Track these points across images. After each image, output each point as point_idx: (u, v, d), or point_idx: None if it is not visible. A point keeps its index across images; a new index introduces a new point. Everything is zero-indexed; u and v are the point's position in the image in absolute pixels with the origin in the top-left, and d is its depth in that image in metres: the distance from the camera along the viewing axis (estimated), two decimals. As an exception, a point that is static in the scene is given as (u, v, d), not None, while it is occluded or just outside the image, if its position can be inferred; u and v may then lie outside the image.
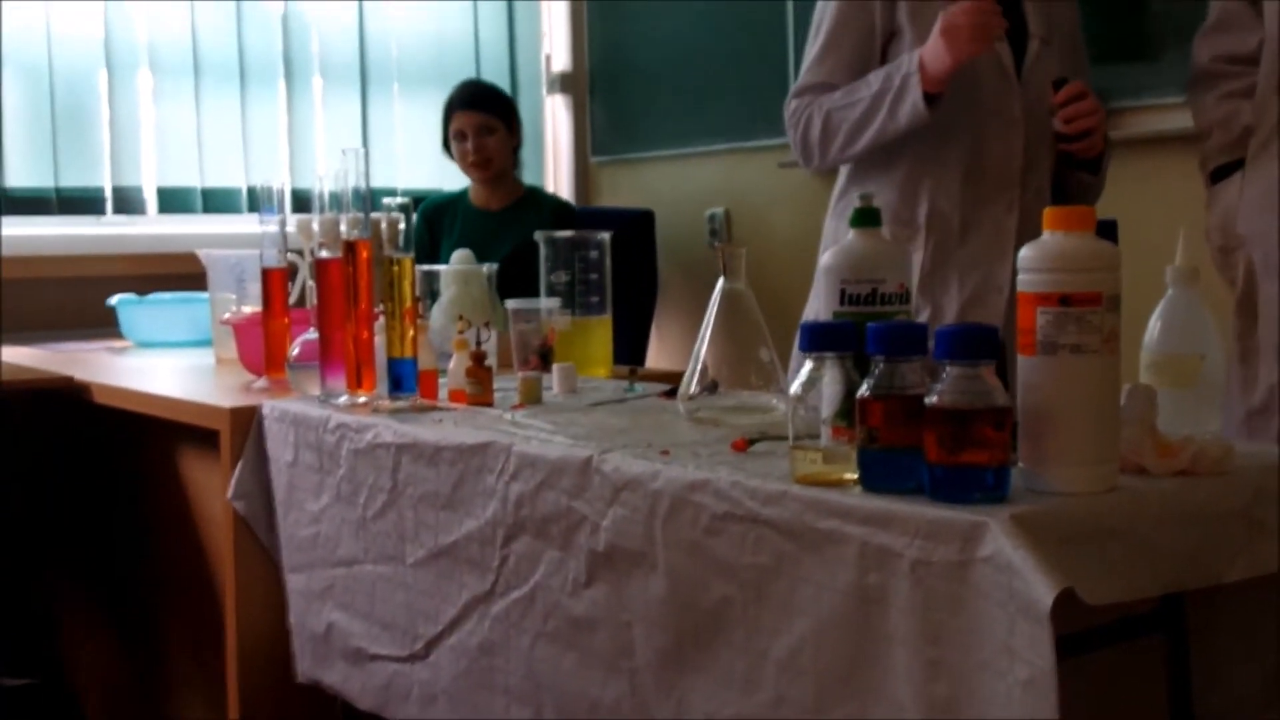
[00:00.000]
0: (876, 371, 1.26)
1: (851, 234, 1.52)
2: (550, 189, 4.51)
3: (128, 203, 3.95)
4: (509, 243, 3.60)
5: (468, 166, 3.75)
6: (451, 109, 3.78)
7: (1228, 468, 1.32)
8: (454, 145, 3.77)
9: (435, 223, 3.77)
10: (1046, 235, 1.25)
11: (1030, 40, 2.35)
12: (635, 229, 4.11)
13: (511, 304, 2.27)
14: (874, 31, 2.37)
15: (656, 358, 4.32)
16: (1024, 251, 1.26)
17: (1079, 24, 2.48)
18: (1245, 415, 1.95)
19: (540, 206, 3.84)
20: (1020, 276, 1.26)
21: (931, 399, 1.22)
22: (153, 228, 3.97)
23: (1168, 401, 1.36)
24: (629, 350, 3.67)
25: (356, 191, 1.98)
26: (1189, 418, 1.39)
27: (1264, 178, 1.93)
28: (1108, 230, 1.30)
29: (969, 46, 2.19)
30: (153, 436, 2.41)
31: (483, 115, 3.74)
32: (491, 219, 3.75)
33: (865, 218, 1.52)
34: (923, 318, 2.32)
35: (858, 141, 2.33)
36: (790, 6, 3.85)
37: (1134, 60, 3.03)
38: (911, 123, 2.26)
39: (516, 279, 2.75)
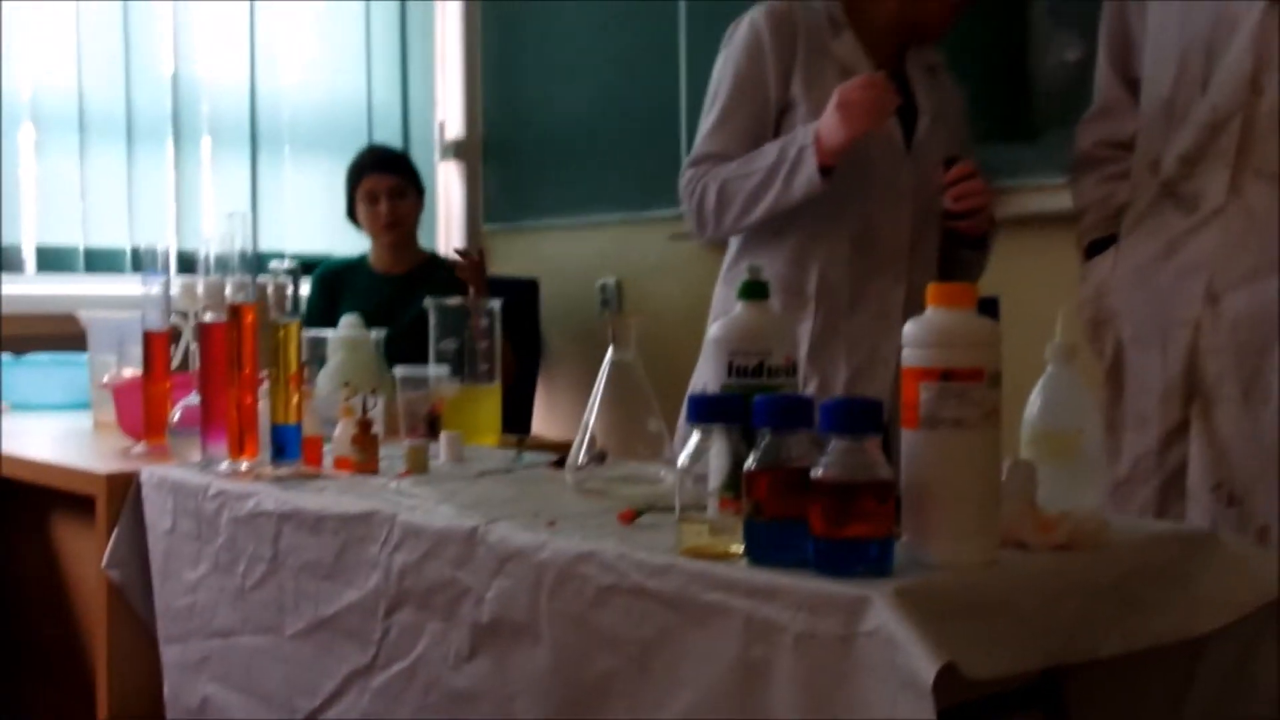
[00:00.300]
0: (763, 444, 1.27)
1: (739, 306, 1.53)
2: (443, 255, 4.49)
3: (6, 260, 3.86)
4: (415, 307, 3.57)
5: (379, 229, 3.73)
6: (362, 171, 3.76)
7: (1104, 542, 1.34)
8: (363, 208, 3.74)
9: (334, 288, 3.74)
10: (930, 311, 1.27)
11: (920, 116, 2.40)
12: (520, 297, 4.11)
13: (399, 371, 2.26)
14: (769, 103, 2.40)
15: (543, 427, 4.32)
16: (907, 327, 1.28)
17: (965, 106, 2.54)
18: (1112, 485, 1.99)
19: (444, 270, 3.83)
20: (904, 351, 1.28)
21: (817, 472, 1.22)
22: (31, 287, 3.88)
23: (1047, 476, 1.38)
24: (513, 419, 3.66)
25: (243, 254, 1.96)
26: (1067, 493, 1.41)
27: (1136, 253, 1.99)
28: (989, 307, 1.32)
29: (864, 122, 2.22)
30: (27, 501, 2.35)
31: (395, 178, 3.74)
32: (395, 284, 3.73)
33: (753, 290, 1.53)
34: (811, 388, 2.34)
35: (752, 212, 2.35)
36: (684, 80, 3.89)
37: (1015, 141, 3.10)
38: (806, 194, 2.29)
39: (421, 345, 2.73)
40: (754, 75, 2.40)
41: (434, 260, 3.89)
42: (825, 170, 2.27)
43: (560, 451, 2.00)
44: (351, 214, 3.81)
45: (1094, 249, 2.12)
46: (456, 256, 3.74)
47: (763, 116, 2.40)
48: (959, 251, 2.41)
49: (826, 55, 2.38)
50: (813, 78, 2.37)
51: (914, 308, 2.25)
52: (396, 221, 3.72)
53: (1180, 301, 1.91)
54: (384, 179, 3.73)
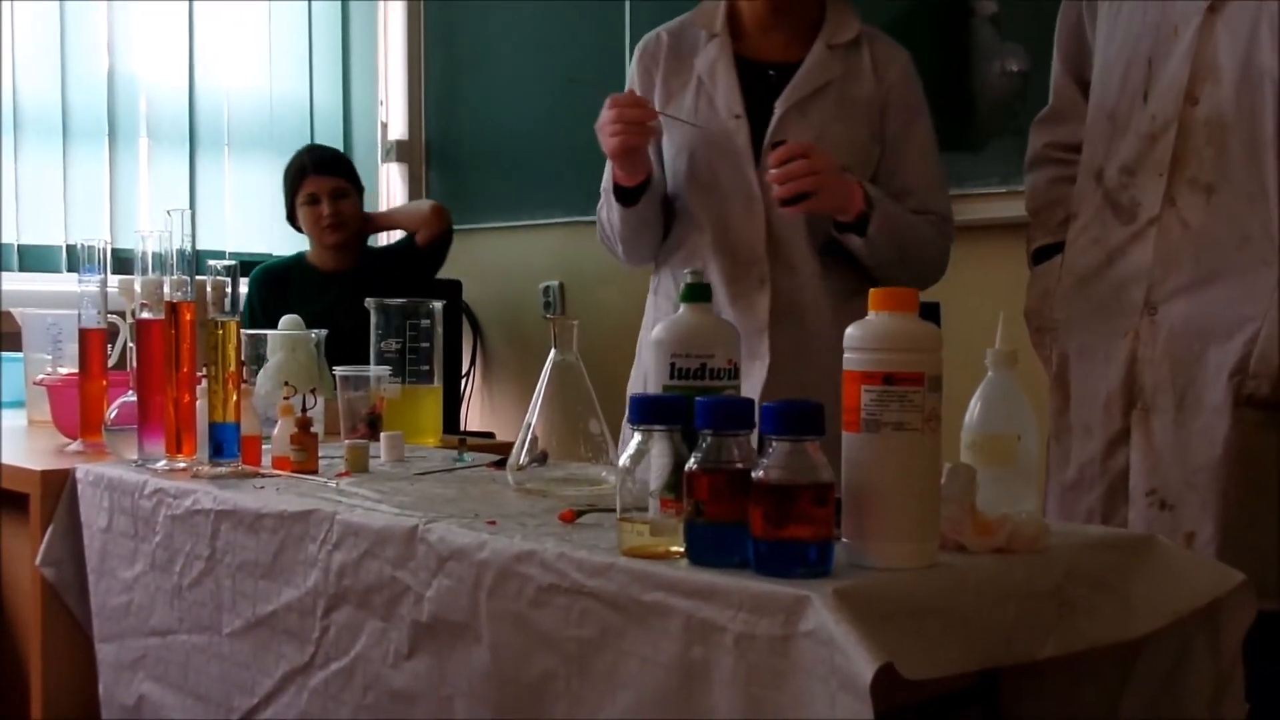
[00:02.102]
0: (704, 445, 1.27)
1: (683, 309, 1.54)
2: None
3: (-61, 258, 3.82)
4: (359, 305, 3.56)
5: (321, 230, 3.70)
6: (303, 174, 3.72)
7: (1043, 546, 1.36)
8: (304, 211, 3.71)
9: (277, 288, 3.71)
10: (872, 315, 1.28)
11: (774, 114, 2.28)
12: (442, 297, 4.11)
13: (340, 371, 2.24)
14: None
15: (481, 427, 4.31)
16: (850, 330, 1.29)
17: (905, 70, 2.35)
18: (1060, 490, 2.01)
19: (383, 258, 3.83)
20: (845, 355, 1.29)
21: (757, 474, 1.23)
22: (-36, 284, 3.83)
23: (986, 480, 1.39)
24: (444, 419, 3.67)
25: (181, 253, 1.94)
26: (1006, 496, 1.42)
27: (1079, 263, 2.01)
28: (931, 312, 1.33)
29: (607, 145, 2.21)
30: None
31: (336, 179, 3.72)
32: (340, 282, 3.71)
33: (696, 293, 1.54)
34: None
35: (621, 241, 2.37)
36: (628, 83, 3.89)
37: (959, 150, 3.13)
38: (624, 218, 2.31)
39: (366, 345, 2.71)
40: (641, 86, 2.40)
41: (374, 254, 3.88)
42: (626, 191, 2.27)
43: (501, 453, 2.00)
44: (291, 217, 3.78)
45: (1041, 255, 2.13)
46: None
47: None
48: (847, 239, 2.25)
49: (687, 70, 2.36)
50: (670, 95, 2.36)
51: (782, 309, 2.25)
52: (341, 223, 3.70)
53: (1120, 311, 1.93)
54: (325, 181, 3.70)
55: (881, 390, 1.25)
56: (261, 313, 3.58)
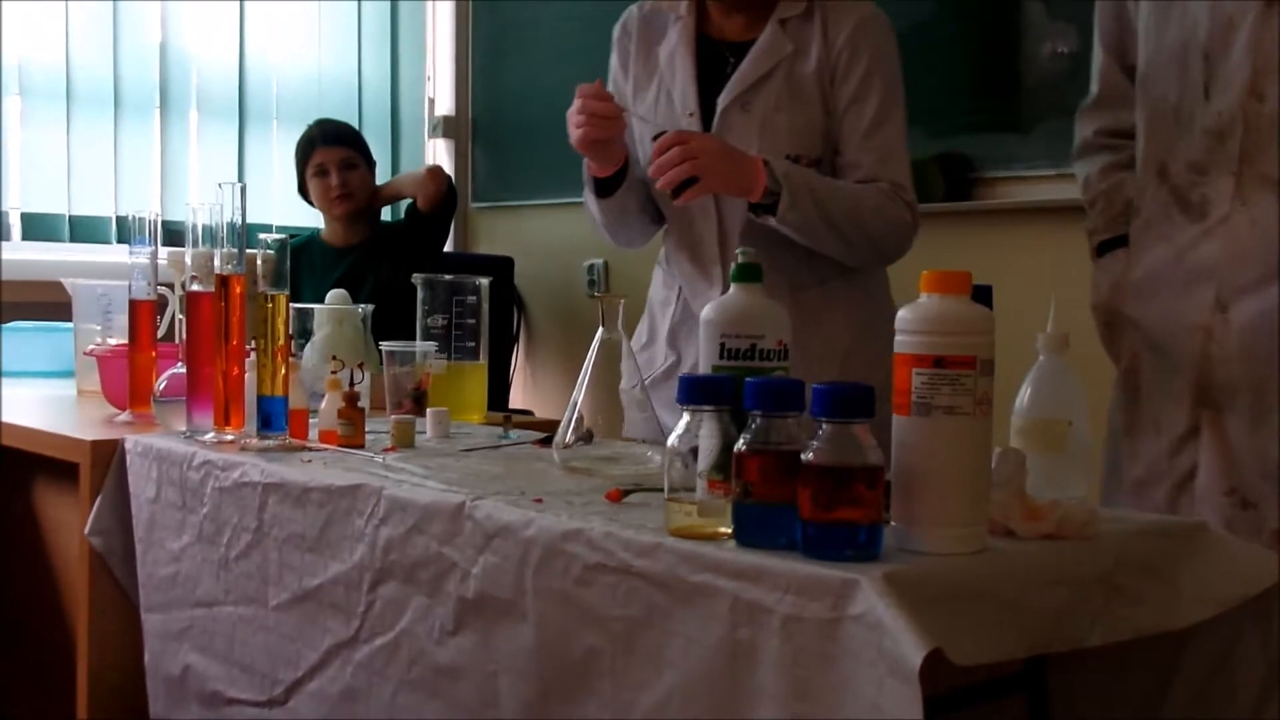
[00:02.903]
0: (754, 426, 1.26)
1: (733, 289, 1.53)
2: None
3: (-8, 227, 3.85)
4: (373, 279, 3.58)
5: (330, 202, 3.70)
6: (311, 146, 3.73)
7: (1092, 532, 1.35)
8: (313, 183, 3.72)
9: (292, 265, 3.71)
10: (924, 298, 1.27)
11: (722, 99, 2.24)
12: (495, 275, 4.11)
13: (386, 346, 2.25)
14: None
15: (522, 404, 4.31)
16: (901, 313, 1.28)
17: (868, 30, 2.23)
18: (1129, 487, 1.99)
19: (394, 232, 3.84)
20: (897, 338, 1.28)
21: (807, 455, 1.22)
22: (16, 253, 3.86)
23: (1036, 466, 1.38)
24: (490, 396, 3.68)
25: (232, 226, 1.95)
26: (1056, 482, 1.42)
27: (1147, 259, 1.98)
28: (983, 295, 1.32)
29: (575, 140, 2.19)
30: (9, 468, 2.34)
31: (345, 150, 3.72)
32: (351, 256, 3.72)
33: (746, 273, 1.53)
34: (670, 363, 2.34)
35: (605, 229, 2.38)
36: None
37: (1008, 132, 3.11)
38: (602, 208, 2.31)
39: (382, 316, 2.72)
40: (617, 86, 2.39)
41: (386, 228, 3.89)
42: (601, 181, 2.27)
43: (547, 430, 2.01)
44: (303, 191, 3.79)
45: (1104, 248, 2.11)
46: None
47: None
48: (767, 221, 2.16)
49: (653, 59, 2.34)
50: (638, 86, 2.35)
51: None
52: (348, 194, 3.69)
53: (1190, 309, 1.90)
54: (333, 152, 3.70)
55: (933, 373, 1.24)
56: None
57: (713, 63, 2.27)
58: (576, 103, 2.16)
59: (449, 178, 3.93)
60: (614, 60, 2.41)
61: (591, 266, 4.23)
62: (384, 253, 3.68)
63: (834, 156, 2.24)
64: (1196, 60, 1.89)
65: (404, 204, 3.96)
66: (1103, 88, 2.13)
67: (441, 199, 3.83)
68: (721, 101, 2.23)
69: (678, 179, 2.08)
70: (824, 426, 1.22)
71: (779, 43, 2.23)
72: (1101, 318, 2.07)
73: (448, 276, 2.37)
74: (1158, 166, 1.96)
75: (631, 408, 1.81)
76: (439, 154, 4.68)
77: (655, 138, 2.13)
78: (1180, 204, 1.92)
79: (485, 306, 2.38)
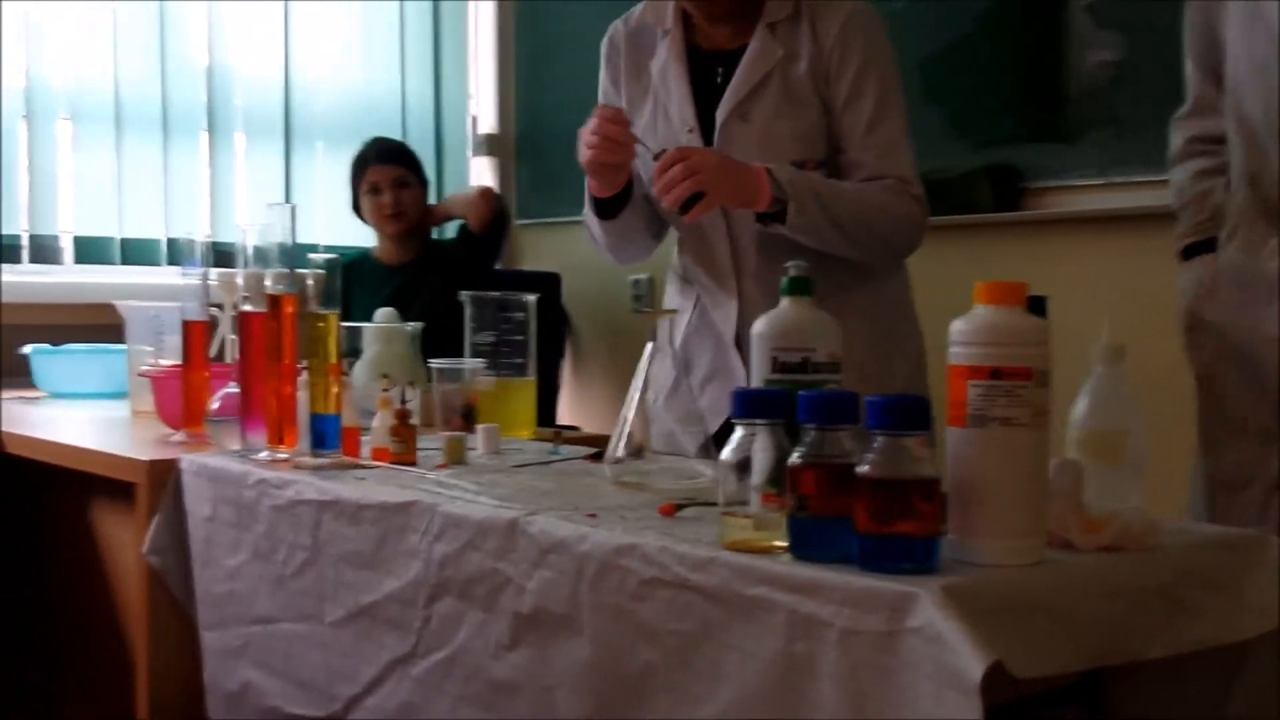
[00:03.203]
0: (808, 439, 1.26)
1: (784, 302, 1.54)
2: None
3: (44, 251, 3.88)
4: (424, 297, 3.59)
5: (382, 220, 3.74)
6: (365, 164, 3.78)
7: (1151, 544, 1.34)
8: (367, 200, 3.76)
9: (343, 283, 3.74)
10: (979, 308, 1.27)
11: (715, 125, 2.24)
12: (541, 291, 4.13)
13: (435, 364, 2.26)
14: None
15: (569, 419, 4.31)
16: (956, 324, 1.28)
17: (860, 27, 2.22)
18: (1216, 491, 1.97)
19: (446, 251, 3.85)
20: (951, 349, 1.28)
21: (862, 468, 1.22)
22: (69, 277, 3.90)
23: (1093, 477, 1.37)
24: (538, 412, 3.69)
25: (282, 246, 1.97)
26: (1114, 493, 1.41)
27: (1232, 266, 1.97)
28: (1038, 306, 1.32)
29: (584, 160, 2.19)
30: (66, 488, 2.36)
31: (398, 169, 3.75)
32: (403, 274, 3.74)
33: (797, 286, 1.53)
34: (676, 374, 2.32)
35: (604, 249, 2.40)
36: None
37: (1053, 141, 3.09)
38: (603, 229, 2.32)
39: (432, 334, 2.74)
40: (608, 102, 2.39)
41: (438, 246, 3.91)
42: (604, 202, 2.26)
43: (596, 445, 2.01)
44: (357, 209, 3.82)
45: (1190, 251, 2.09)
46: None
47: None
48: (776, 229, 2.15)
49: (645, 75, 2.33)
50: (631, 104, 2.35)
51: (748, 320, 2.20)
52: (401, 212, 3.73)
53: (1270, 319, 1.89)
54: (387, 170, 3.74)
55: (989, 385, 1.24)
56: None
57: (704, 74, 2.27)
58: (592, 122, 2.15)
59: (501, 199, 3.95)
60: (604, 77, 2.41)
61: (637, 282, 4.23)
62: (435, 271, 3.70)
63: (837, 156, 2.23)
64: None
65: (455, 222, 3.98)
66: (1196, 98, 2.13)
67: (493, 220, 3.85)
68: (720, 115, 2.23)
69: (683, 195, 2.08)
70: (878, 439, 1.22)
71: (769, 48, 2.22)
72: (1185, 322, 2.05)
73: (495, 294, 2.38)
74: (1249, 174, 1.95)
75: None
76: (482, 172, 4.70)
77: (656, 157, 2.13)
78: (1268, 214, 1.91)
79: (533, 323, 2.39)
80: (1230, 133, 1.99)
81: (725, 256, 2.27)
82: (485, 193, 3.92)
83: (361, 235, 4.12)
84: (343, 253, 3.84)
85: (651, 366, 2.38)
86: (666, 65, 2.29)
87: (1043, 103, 3.14)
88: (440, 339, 2.59)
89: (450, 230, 4.11)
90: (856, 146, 2.21)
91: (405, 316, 2.65)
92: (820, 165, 2.22)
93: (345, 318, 2.55)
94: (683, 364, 2.31)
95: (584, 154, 2.18)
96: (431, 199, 4.05)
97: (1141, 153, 2.87)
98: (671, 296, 2.46)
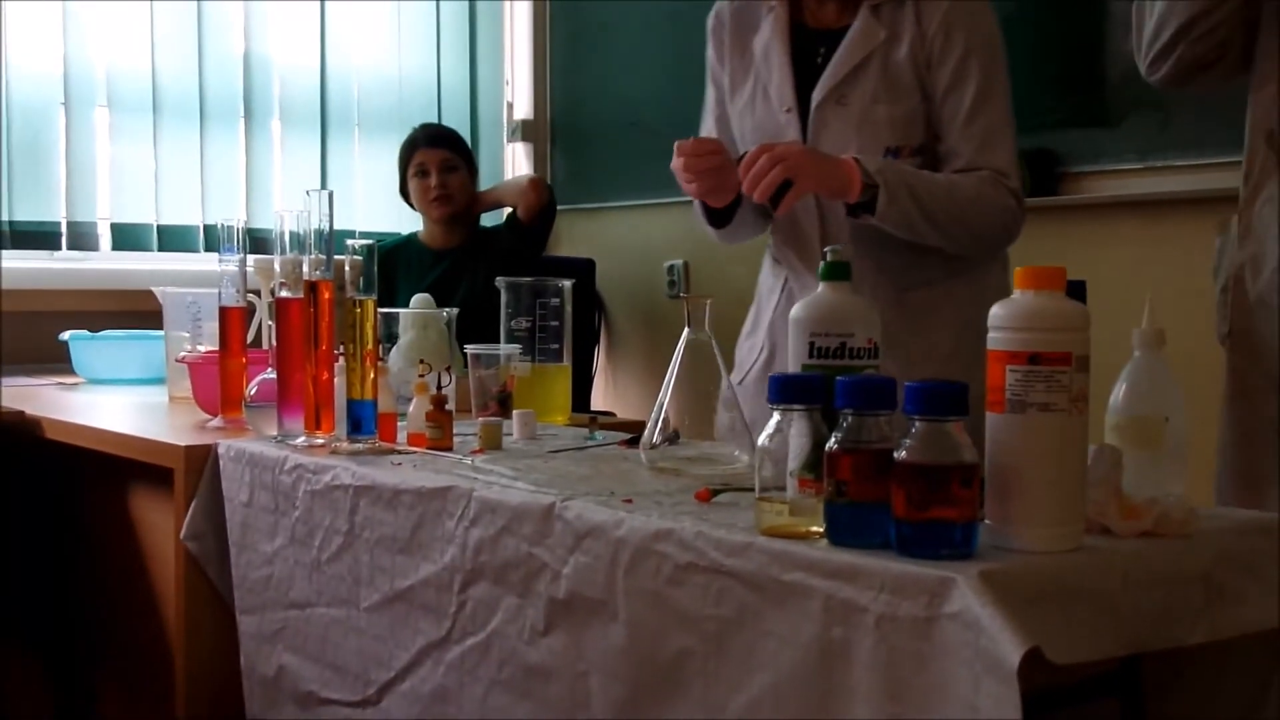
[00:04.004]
0: (845, 425, 1.26)
1: (821, 287, 1.53)
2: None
3: (82, 238, 3.90)
4: (469, 283, 3.60)
5: (428, 203, 3.75)
6: (414, 147, 3.80)
7: (1191, 530, 1.33)
8: (414, 183, 3.77)
9: (387, 268, 3.76)
10: (1017, 294, 1.26)
11: (810, 107, 2.23)
12: (577, 277, 4.13)
13: (471, 349, 2.26)
14: (726, 113, 2.39)
15: (603, 405, 4.31)
16: (994, 309, 1.27)
17: (965, 18, 2.19)
18: (1240, 448, 1.93)
19: (493, 238, 3.85)
20: (990, 334, 1.27)
21: (900, 454, 1.22)
22: (106, 264, 3.92)
23: (1132, 464, 1.36)
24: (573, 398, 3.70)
25: (320, 232, 1.97)
26: (1153, 480, 1.40)
27: (1260, 227, 1.94)
28: (1077, 291, 1.30)
29: (691, 195, 2.19)
30: (104, 474, 2.38)
31: (446, 152, 3.76)
32: (449, 259, 3.75)
33: (835, 271, 1.53)
34: (765, 355, 2.34)
35: (720, 240, 2.37)
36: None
37: (1093, 125, 3.07)
38: (718, 235, 2.33)
39: (476, 321, 2.74)
40: (716, 81, 2.39)
41: (485, 233, 3.91)
42: (715, 211, 2.25)
43: (632, 431, 2.01)
44: (405, 193, 3.83)
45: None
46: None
47: (725, 126, 2.37)
48: (866, 220, 2.14)
49: (748, 53, 2.31)
50: (734, 83, 2.33)
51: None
52: (447, 195, 3.73)
53: None
54: (434, 153, 3.75)
55: (1027, 370, 1.23)
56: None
57: (806, 53, 2.25)
58: (677, 160, 2.14)
59: (550, 189, 3.95)
60: (710, 53, 2.39)
61: (672, 267, 4.23)
62: (481, 257, 3.70)
63: (936, 144, 2.20)
64: None
65: (504, 210, 3.99)
66: None
67: (542, 210, 3.85)
68: (816, 96, 2.21)
69: (772, 186, 2.05)
70: (917, 424, 1.22)
71: (871, 30, 2.19)
72: (1220, 283, 2.01)
73: (530, 279, 2.38)
74: (1266, 131, 1.92)
75: (722, 408, 1.80)
76: (518, 158, 4.70)
77: (740, 160, 2.11)
78: None
79: (568, 309, 2.39)
80: (1255, 90, 1.95)
81: (815, 243, 2.25)
82: (535, 182, 3.92)
83: (399, 222, 4.13)
84: (380, 239, 3.89)
85: (744, 343, 2.39)
86: (769, 43, 2.27)
87: (1082, 87, 3.12)
88: (484, 325, 2.59)
89: (492, 219, 4.11)
90: (955, 136, 2.18)
91: (449, 302, 2.66)
92: (917, 152, 2.19)
93: (389, 302, 2.56)
94: (772, 345, 2.32)
95: (687, 190, 2.17)
96: (487, 188, 4.05)
97: (1182, 137, 2.84)
98: (764, 275, 2.45)
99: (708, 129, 2.39)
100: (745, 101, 2.30)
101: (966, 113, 2.16)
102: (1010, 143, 2.20)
